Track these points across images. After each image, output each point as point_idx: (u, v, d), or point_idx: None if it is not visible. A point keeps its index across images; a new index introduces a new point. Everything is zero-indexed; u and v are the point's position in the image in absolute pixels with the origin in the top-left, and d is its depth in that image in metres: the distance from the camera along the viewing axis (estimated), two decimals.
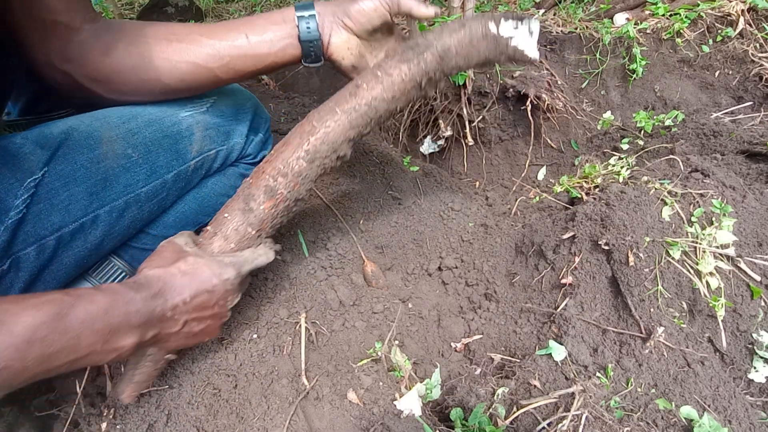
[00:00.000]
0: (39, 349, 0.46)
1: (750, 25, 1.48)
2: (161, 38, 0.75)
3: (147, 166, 0.76)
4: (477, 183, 1.59)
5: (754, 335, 0.91)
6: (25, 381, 0.48)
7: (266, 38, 0.77)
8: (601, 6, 1.66)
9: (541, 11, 1.67)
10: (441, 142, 1.54)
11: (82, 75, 0.73)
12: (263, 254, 0.71)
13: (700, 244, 0.93)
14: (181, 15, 2.43)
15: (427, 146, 1.49)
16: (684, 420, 0.78)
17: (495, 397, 0.82)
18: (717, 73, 1.50)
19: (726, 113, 1.43)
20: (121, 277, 0.81)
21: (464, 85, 1.48)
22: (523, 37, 0.66)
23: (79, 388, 0.91)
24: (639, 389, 0.82)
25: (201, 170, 0.86)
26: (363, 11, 0.78)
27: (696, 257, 0.92)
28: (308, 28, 0.77)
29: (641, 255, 0.91)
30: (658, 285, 0.90)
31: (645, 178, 1.13)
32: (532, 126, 1.49)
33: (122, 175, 0.73)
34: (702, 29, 1.51)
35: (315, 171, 0.69)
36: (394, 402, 0.79)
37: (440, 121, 1.52)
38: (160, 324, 0.59)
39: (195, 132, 0.81)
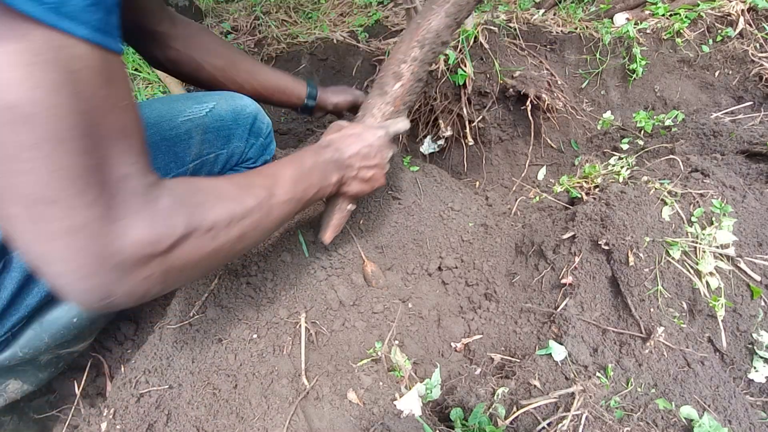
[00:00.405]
0: (300, 185, 0.67)
1: (750, 25, 1.48)
2: (246, 60, 1.02)
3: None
4: (477, 183, 1.59)
5: (754, 335, 0.91)
6: (294, 211, 0.67)
7: (292, 89, 1.09)
8: (601, 6, 1.66)
9: (541, 11, 1.67)
10: (441, 142, 1.54)
11: (184, 73, 0.97)
12: (401, 122, 0.88)
13: (700, 244, 0.93)
14: (182, 14, 2.42)
15: (427, 146, 1.49)
16: (684, 420, 0.78)
17: (495, 397, 0.82)
18: (717, 73, 1.50)
19: (726, 113, 1.43)
20: None
21: (464, 85, 1.48)
22: None
23: (78, 389, 0.91)
24: (639, 389, 0.82)
25: (201, 173, 0.90)
26: (339, 105, 1.17)
27: (696, 257, 0.92)
28: (310, 95, 1.12)
29: (641, 255, 0.91)
30: (658, 285, 0.90)
31: (645, 178, 1.13)
32: (532, 126, 1.49)
33: None
34: (702, 29, 1.51)
35: (427, 55, 0.86)
36: (394, 402, 0.79)
37: (440, 121, 1.52)
38: (344, 169, 0.77)
39: (193, 136, 0.86)
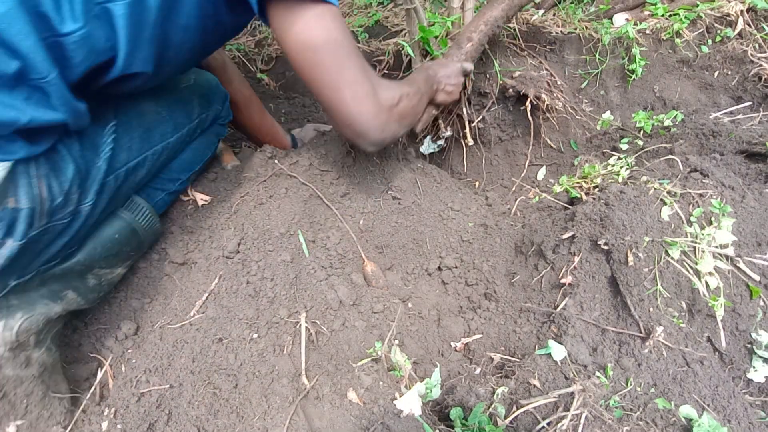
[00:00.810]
0: (424, 87, 1.06)
1: (749, 25, 1.48)
2: (256, 101, 1.36)
3: (172, 122, 1.03)
4: (477, 183, 1.59)
5: (753, 335, 0.91)
6: (423, 102, 1.08)
7: (281, 137, 1.41)
8: (600, 6, 1.66)
9: (541, 11, 1.67)
10: (441, 142, 1.54)
11: None
12: (468, 63, 1.25)
13: (700, 243, 0.93)
14: None
15: (426, 146, 1.50)
16: (683, 419, 0.78)
17: (495, 396, 0.83)
18: (716, 74, 1.51)
19: (725, 113, 1.43)
20: (143, 208, 1.01)
21: (464, 85, 1.48)
22: None
23: (89, 391, 0.91)
24: (638, 389, 0.82)
25: (198, 128, 1.14)
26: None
27: (695, 257, 0.92)
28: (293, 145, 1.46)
29: (640, 255, 0.91)
30: (657, 285, 0.90)
31: (644, 178, 1.13)
32: (532, 126, 1.50)
33: (158, 126, 0.99)
34: (701, 29, 1.52)
35: (488, 30, 1.29)
36: (394, 401, 0.79)
37: (440, 121, 1.52)
38: (437, 83, 1.13)
39: (193, 99, 1.10)
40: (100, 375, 0.94)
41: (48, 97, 0.71)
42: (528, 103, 1.42)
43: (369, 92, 0.84)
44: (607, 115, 1.55)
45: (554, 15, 1.72)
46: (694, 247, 0.93)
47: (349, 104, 0.82)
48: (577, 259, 0.98)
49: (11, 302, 0.81)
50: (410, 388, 0.84)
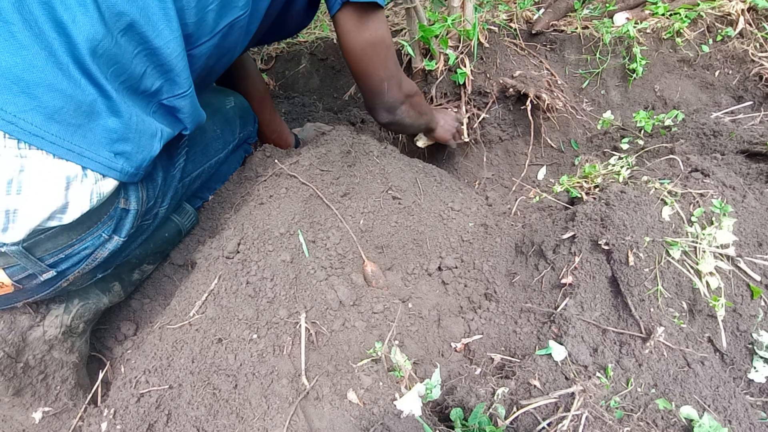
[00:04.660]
0: (429, 110, 1.34)
1: (750, 24, 1.48)
2: (269, 100, 1.41)
3: (222, 139, 1.15)
4: (477, 183, 1.59)
5: (754, 335, 0.91)
6: (418, 126, 1.35)
7: (287, 137, 1.47)
8: (607, 6, 1.65)
9: (541, 11, 1.67)
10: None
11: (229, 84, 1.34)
12: (462, 117, 1.51)
13: (700, 243, 0.93)
14: None
15: (423, 141, 1.50)
16: (684, 420, 0.78)
17: (495, 397, 0.82)
18: (717, 73, 1.50)
19: (726, 113, 1.43)
20: (190, 213, 1.11)
21: (464, 84, 1.48)
22: None
23: (91, 390, 0.91)
24: (639, 389, 0.82)
25: (237, 146, 1.25)
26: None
27: (696, 257, 0.92)
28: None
29: (641, 255, 0.91)
30: (658, 285, 0.90)
31: (645, 178, 1.13)
32: (532, 126, 1.49)
33: (213, 143, 1.12)
34: (702, 29, 1.51)
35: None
36: (394, 402, 0.79)
37: None
38: (435, 121, 1.39)
39: (236, 119, 1.22)
40: (100, 375, 0.94)
41: (177, 111, 0.83)
42: (528, 102, 1.41)
43: (399, 83, 1.13)
44: (607, 115, 1.54)
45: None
46: (695, 247, 0.93)
47: (386, 90, 1.11)
48: (577, 259, 0.98)
49: (70, 288, 0.85)
50: (410, 388, 0.84)
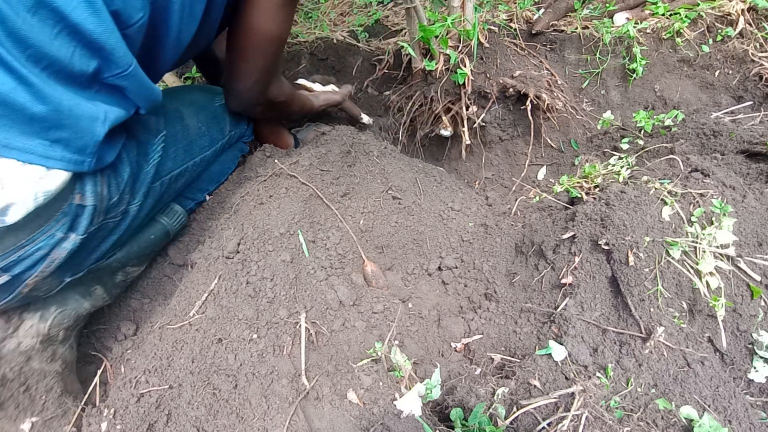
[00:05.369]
0: (296, 99, 1.24)
1: (750, 24, 1.48)
2: None
3: (209, 137, 1.11)
4: (477, 183, 1.59)
5: (754, 335, 0.91)
6: (292, 114, 1.30)
7: (286, 138, 1.44)
8: (607, 6, 1.65)
9: (542, 11, 1.67)
10: (446, 132, 1.56)
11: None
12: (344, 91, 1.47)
13: (700, 243, 0.93)
14: None
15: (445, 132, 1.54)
16: (684, 420, 0.78)
17: (495, 397, 0.82)
18: (717, 73, 1.50)
19: (726, 113, 1.43)
20: (179, 217, 1.08)
21: (464, 84, 1.47)
22: None
23: (89, 389, 0.91)
24: (639, 389, 0.82)
25: (227, 144, 1.21)
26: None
27: (696, 257, 0.92)
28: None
29: (641, 255, 0.91)
30: (658, 285, 0.90)
31: (645, 178, 1.13)
32: (532, 126, 1.49)
33: (197, 140, 1.07)
34: (702, 29, 1.51)
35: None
36: (394, 402, 0.79)
37: (443, 118, 1.52)
38: (308, 108, 1.32)
39: (225, 117, 1.18)
40: (97, 376, 0.93)
41: (123, 90, 0.77)
42: (528, 102, 1.41)
43: (267, 85, 1.08)
44: (607, 115, 1.54)
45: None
46: (695, 247, 0.93)
47: (251, 85, 1.05)
48: (577, 259, 0.98)
49: (36, 294, 0.82)
50: (410, 388, 0.84)
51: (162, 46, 0.86)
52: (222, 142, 1.16)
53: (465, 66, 1.42)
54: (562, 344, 0.87)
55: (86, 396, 0.90)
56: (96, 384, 0.91)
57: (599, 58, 1.55)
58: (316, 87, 1.43)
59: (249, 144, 1.48)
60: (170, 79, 1.88)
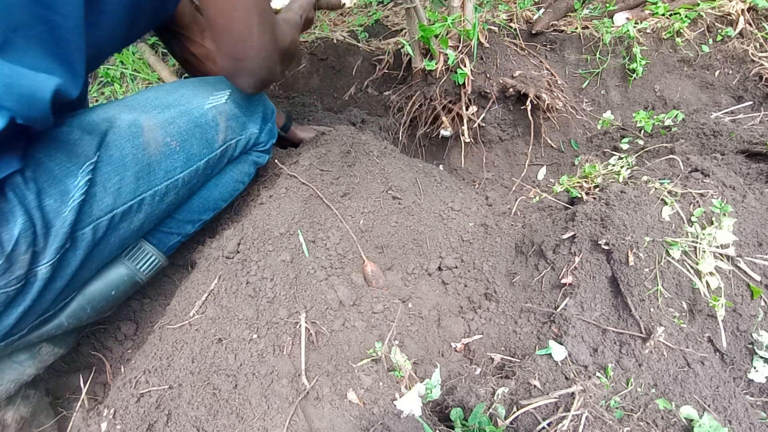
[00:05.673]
0: (293, 30, 0.97)
1: (750, 24, 1.48)
2: None
3: (183, 154, 0.86)
4: (477, 183, 1.59)
5: (754, 335, 0.91)
6: (297, 49, 1.00)
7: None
8: (607, 6, 1.65)
9: (542, 11, 1.67)
10: (447, 132, 1.56)
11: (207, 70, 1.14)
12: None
13: (700, 243, 0.93)
14: None
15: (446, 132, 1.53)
16: (684, 420, 0.78)
17: (495, 397, 0.82)
18: (717, 73, 1.50)
19: (726, 113, 1.43)
20: (152, 260, 0.88)
21: (464, 84, 1.47)
22: None
23: (84, 386, 0.91)
24: (639, 389, 0.82)
25: (224, 158, 0.96)
26: (304, 140, 1.34)
27: (696, 257, 0.92)
28: (284, 127, 1.36)
29: (641, 255, 0.91)
30: (658, 285, 0.90)
31: (645, 178, 1.13)
32: (532, 126, 1.49)
33: (163, 161, 0.82)
34: (702, 29, 1.51)
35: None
36: (394, 402, 0.79)
37: (443, 118, 1.52)
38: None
39: (219, 122, 0.91)
40: (90, 378, 0.93)
41: None
42: (528, 102, 1.41)
43: (271, 28, 0.90)
44: (607, 115, 1.54)
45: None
46: (695, 247, 0.93)
47: (258, 39, 0.84)
48: (577, 259, 0.98)
49: None
50: (410, 388, 0.84)
51: (67, 6, 0.64)
52: (210, 158, 0.91)
53: (465, 66, 1.42)
54: (562, 344, 0.87)
55: (84, 393, 0.90)
56: (88, 384, 0.91)
57: (599, 58, 1.55)
58: (277, 2, 1.18)
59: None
60: (170, 79, 1.88)
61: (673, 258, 0.91)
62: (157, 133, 0.81)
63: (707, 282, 0.90)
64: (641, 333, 0.87)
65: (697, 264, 0.91)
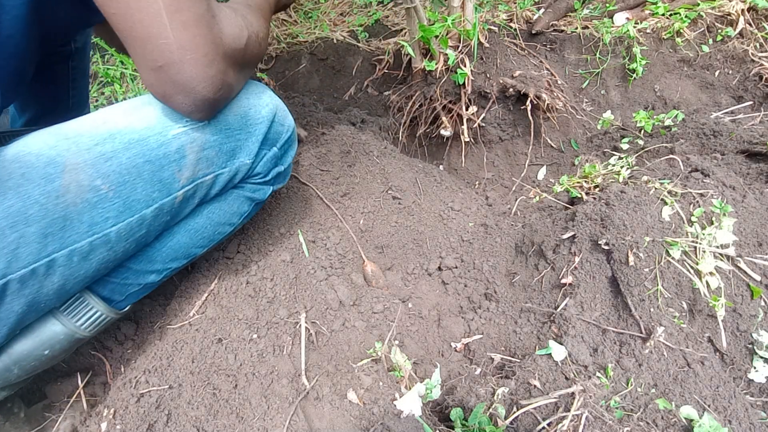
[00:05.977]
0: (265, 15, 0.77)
1: (750, 24, 1.48)
2: None
3: (119, 201, 0.65)
4: (477, 183, 1.59)
5: (754, 335, 0.91)
6: (265, 43, 0.75)
7: None
8: (607, 6, 1.65)
9: (542, 11, 1.67)
10: (447, 132, 1.56)
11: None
12: None
13: (700, 243, 0.93)
14: None
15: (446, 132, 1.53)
16: (684, 420, 0.78)
17: (495, 397, 0.82)
18: (717, 73, 1.50)
19: (726, 113, 1.43)
20: (95, 314, 0.73)
21: (464, 84, 1.47)
22: None
23: (81, 384, 0.91)
24: (639, 389, 0.82)
25: (193, 199, 0.74)
26: None
27: (696, 257, 0.92)
28: None
29: (641, 255, 0.91)
30: (658, 285, 0.90)
31: (645, 178, 1.13)
32: (532, 126, 1.49)
33: (86, 212, 0.62)
34: (702, 29, 1.51)
35: None
36: (394, 402, 0.79)
37: (443, 118, 1.52)
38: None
39: (187, 154, 0.69)
40: (85, 379, 0.93)
41: None
42: (528, 102, 1.41)
43: (204, 11, 0.67)
44: (607, 115, 1.54)
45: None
46: (695, 247, 0.93)
47: (171, 31, 0.60)
48: (577, 259, 0.98)
49: None
50: (410, 388, 0.84)
51: None
52: (162, 203, 0.69)
53: (465, 66, 1.42)
54: (562, 344, 0.87)
55: (81, 386, 0.90)
56: (83, 385, 0.91)
57: (599, 58, 1.55)
58: None
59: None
60: None
61: (673, 258, 0.91)
62: (83, 174, 0.62)
63: (707, 282, 0.90)
64: (641, 333, 0.87)
65: (697, 264, 0.91)
